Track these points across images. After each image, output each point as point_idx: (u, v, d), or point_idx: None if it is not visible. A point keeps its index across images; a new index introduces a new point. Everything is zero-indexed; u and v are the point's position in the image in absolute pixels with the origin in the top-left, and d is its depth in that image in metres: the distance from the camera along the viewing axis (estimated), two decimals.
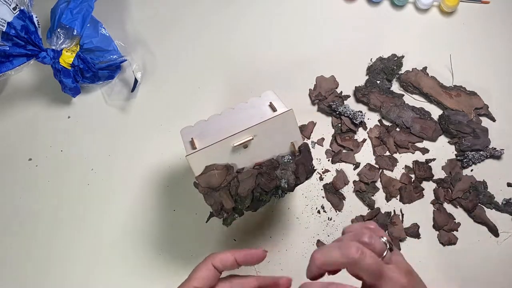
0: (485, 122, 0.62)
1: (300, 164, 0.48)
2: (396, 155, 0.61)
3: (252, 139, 0.46)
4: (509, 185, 0.59)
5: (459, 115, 0.61)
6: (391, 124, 0.62)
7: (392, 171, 0.60)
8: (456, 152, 0.61)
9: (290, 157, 0.48)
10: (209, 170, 0.45)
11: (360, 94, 0.63)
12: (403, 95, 0.64)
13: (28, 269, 0.58)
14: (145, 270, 0.58)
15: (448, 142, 0.61)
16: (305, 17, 0.70)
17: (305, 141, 0.49)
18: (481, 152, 0.59)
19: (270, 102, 0.49)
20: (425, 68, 0.65)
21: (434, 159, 0.60)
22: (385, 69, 0.64)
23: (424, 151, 0.61)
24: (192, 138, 0.47)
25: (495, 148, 0.60)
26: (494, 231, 0.57)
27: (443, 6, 0.68)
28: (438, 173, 0.60)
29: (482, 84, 0.64)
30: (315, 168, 0.51)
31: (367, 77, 0.65)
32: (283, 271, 0.56)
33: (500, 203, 0.58)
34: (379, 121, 0.63)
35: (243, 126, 0.46)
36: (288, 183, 0.47)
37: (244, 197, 0.46)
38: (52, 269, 0.58)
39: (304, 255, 0.57)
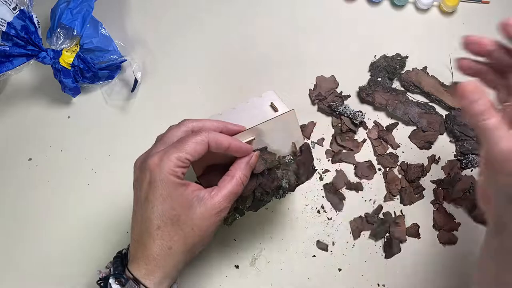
0: None
1: (301, 164, 0.48)
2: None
3: (254, 139, 0.46)
4: None
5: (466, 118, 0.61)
6: (391, 123, 0.62)
7: (395, 168, 0.60)
8: (455, 153, 0.61)
9: (291, 157, 0.48)
10: (211, 171, 0.45)
11: (365, 94, 0.63)
12: (406, 91, 0.64)
13: (28, 269, 0.58)
14: None
15: (450, 141, 0.61)
16: (305, 17, 0.70)
17: (306, 141, 0.49)
18: None
19: (271, 102, 0.49)
20: (425, 67, 0.65)
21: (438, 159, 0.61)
22: (387, 68, 0.64)
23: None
24: None
25: None
26: None
27: (443, 6, 0.68)
28: (438, 173, 0.60)
29: (481, 84, 0.64)
30: (316, 168, 0.51)
31: (369, 76, 0.65)
32: (283, 270, 0.57)
33: None
34: (375, 121, 0.63)
35: (245, 126, 0.46)
36: (289, 183, 0.47)
37: (245, 197, 0.46)
38: (52, 269, 0.58)
39: (304, 255, 0.57)
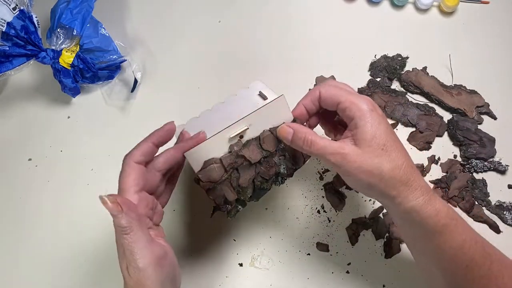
0: (486, 120, 0.62)
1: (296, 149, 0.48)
2: None
3: (248, 129, 0.46)
4: (510, 187, 0.59)
5: (468, 121, 0.61)
6: (391, 123, 0.62)
7: None
8: (455, 153, 0.61)
9: None
10: (209, 165, 0.45)
11: None
12: (405, 93, 0.64)
13: (27, 269, 0.58)
14: None
15: (453, 144, 0.61)
16: (305, 17, 0.70)
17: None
18: (485, 163, 0.59)
19: (260, 91, 0.50)
20: (425, 68, 0.65)
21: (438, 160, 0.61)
22: (387, 68, 0.64)
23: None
24: None
25: (500, 163, 0.59)
26: (495, 228, 0.57)
27: (443, 6, 0.68)
28: (438, 173, 0.60)
29: (481, 84, 0.64)
30: None
31: (369, 76, 0.65)
32: (283, 271, 0.56)
33: (493, 203, 0.58)
34: None
35: (237, 117, 0.46)
36: (287, 168, 0.48)
37: (245, 188, 0.46)
38: (52, 269, 0.58)
39: (304, 255, 0.57)
